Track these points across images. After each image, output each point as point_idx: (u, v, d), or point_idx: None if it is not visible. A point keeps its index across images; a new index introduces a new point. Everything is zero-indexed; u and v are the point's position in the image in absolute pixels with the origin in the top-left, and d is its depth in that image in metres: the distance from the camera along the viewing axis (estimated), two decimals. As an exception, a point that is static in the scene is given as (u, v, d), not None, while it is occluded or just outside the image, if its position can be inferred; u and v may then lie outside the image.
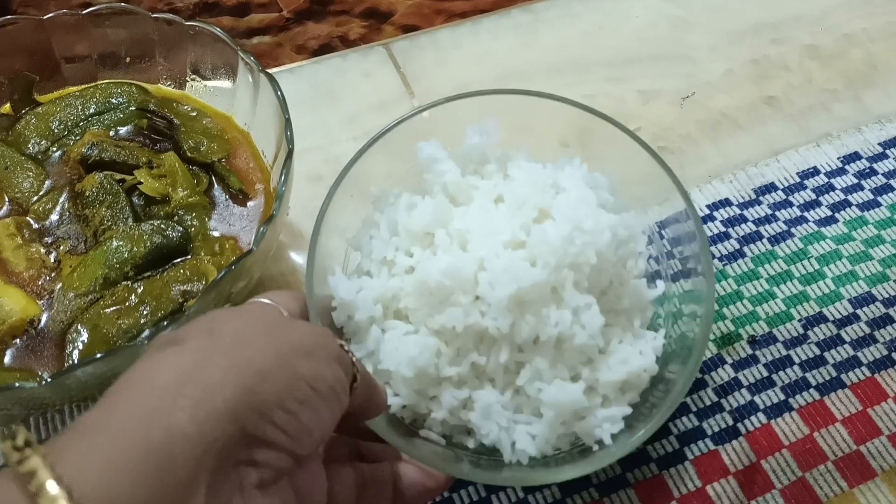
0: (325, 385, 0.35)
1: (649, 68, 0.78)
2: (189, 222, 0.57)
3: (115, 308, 0.53)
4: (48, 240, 0.57)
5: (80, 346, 0.51)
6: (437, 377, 0.49)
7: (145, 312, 0.52)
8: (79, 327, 0.52)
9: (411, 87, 0.76)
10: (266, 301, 0.43)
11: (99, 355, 0.44)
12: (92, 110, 0.63)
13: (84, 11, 0.63)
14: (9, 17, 0.62)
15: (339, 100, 0.75)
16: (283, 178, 0.52)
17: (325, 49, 0.80)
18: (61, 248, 0.56)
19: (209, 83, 0.65)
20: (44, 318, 0.53)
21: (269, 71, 0.59)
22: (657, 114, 0.75)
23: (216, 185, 0.60)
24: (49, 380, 0.44)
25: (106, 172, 0.59)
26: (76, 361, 0.50)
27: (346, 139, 0.72)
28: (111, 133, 0.62)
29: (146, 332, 0.52)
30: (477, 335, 0.49)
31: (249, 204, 0.59)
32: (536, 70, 0.78)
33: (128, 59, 0.66)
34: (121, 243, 0.54)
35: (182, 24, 0.63)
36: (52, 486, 0.27)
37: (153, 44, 0.65)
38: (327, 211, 0.52)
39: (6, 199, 0.59)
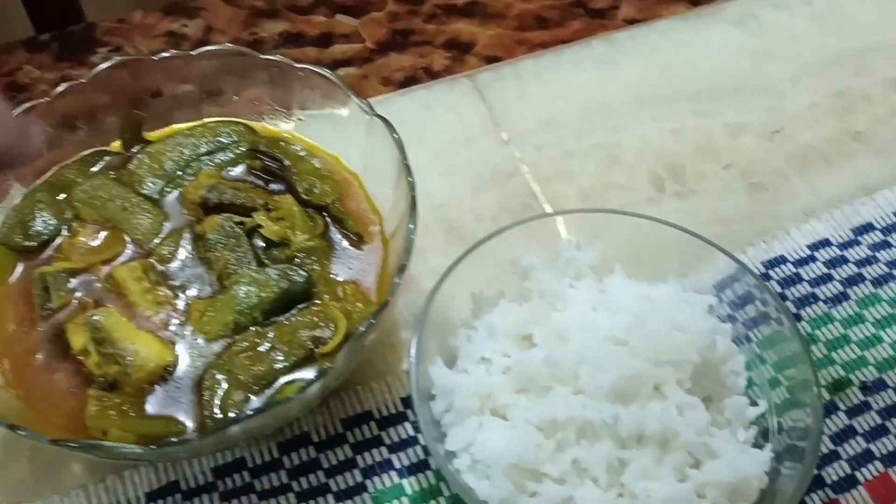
0: None
1: (734, 101, 0.79)
2: (310, 266, 0.58)
3: (247, 354, 0.54)
4: (173, 283, 0.58)
5: (220, 394, 0.52)
6: (536, 470, 0.50)
7: (279, 359, 0.53)
8: (215, 374, 0.53)
9: (497, 122, 0.77)
10: None
11: (252, 410, 0.45)
12: (203, 150, 0.64)
13: (194, 52, 0.64)
14: (120, 57, 0.63)
15: (426, 134, 0.75)
16: (411, 226, 0.53)
17: (410, 81, 0.81)
18: (187, 291, 0.57)
19: (316, 123, 0.65)
20: (178, 365, 0.54)
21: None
22: (746, 148, 0.75)
23: (331, 228, 0.61)
24: (201, 435, 0.45)
25: (225, 215, 0.60)
26: (223, 411, 0.51)
27: (436, 175, 0.73)
28: (223, 174, 0.63)
29: (281, 380, 0.53)
30: (578, 428, 0.50)
31: (364, 247, 0.60)
32: (621, 103, 0.79)
33: (235, 98, 0.66)
34: (250, 288, 0.55)
35: (292, 66, 0.63)
36: None
37: (262, 84, 0.65)
38: (432, 303, 0.54)
39: (127, 241, 0.60)
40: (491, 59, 0.83)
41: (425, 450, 0.57)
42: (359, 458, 0.56)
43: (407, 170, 0.56)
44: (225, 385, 0.52)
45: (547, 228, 0.61)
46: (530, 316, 0.55)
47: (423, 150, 0.74)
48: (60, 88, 0.61)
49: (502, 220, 0.69)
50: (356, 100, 0.61)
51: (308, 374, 0.53)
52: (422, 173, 0.73)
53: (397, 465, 0.56)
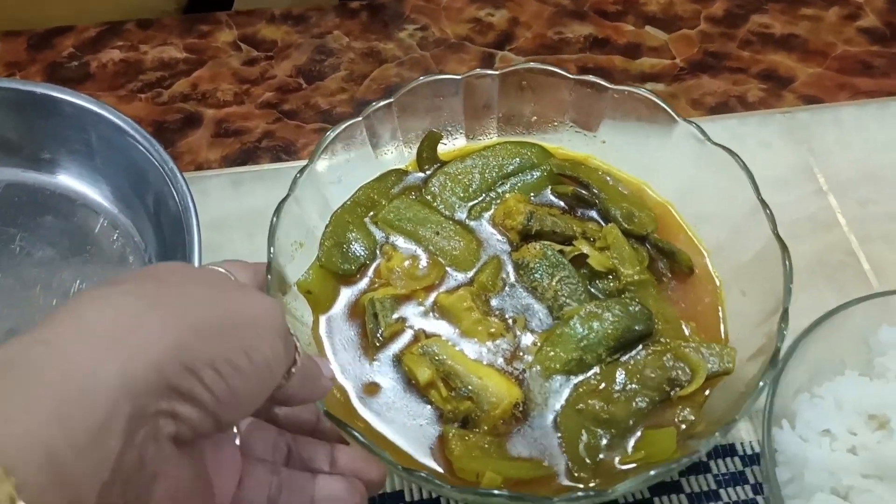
0: (262, 358, 0.34)
1: None
2: (644, 301, 0.55)
3: (600, 394, 0.51)
4: (501, 313, 0.55)
5: (585, 438, 0.49)
6: None
7: (638, 401, 0.50)
8: (572, 415, 0.50)
9: (815, 168, 0.72)
10: (220, 269, 0.43)
11: (651, 472, 0.43)
12: (507, 171, 0.62)
13: (500, 71, 0.62)
14: (427, 77, 0.61)
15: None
16: (787, 265, 0.50)
17: (721, 108, 0.77)
18: (518, 323, 0.55)
19: (621, 147, 0.62)
20: (527, 403, 0.51)
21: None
22: None
23: (657, 261, 0.58)
24: (602, 490, 0.43)
25: (544, 243, 0.57)
26: (592, 458, 0.49)
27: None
28: (529, 198, 0.61)
29: (641, 424, 0.50)
30: None
31: (694, 282, 0.57)
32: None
33: (533, 119, 0.64)
34: (591, 323, 0.53)
35: (606, 88, 0.60)
36: None
37: (564, 105, 0.63)
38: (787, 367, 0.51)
39: (446, 269, 0.57)
40: (809, 99, 0.78)
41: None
42: None
43: (763, 205, 0.53)
44: (587, 429, 0.49)
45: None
46: (887, 396, 0.51)
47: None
48: (372, 108, 0.60)
49: (817, 274, 0.65)
50: (686, 124, 0.58)
51: (668, 417, 0.50)
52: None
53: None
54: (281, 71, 0.80)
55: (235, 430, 0.42)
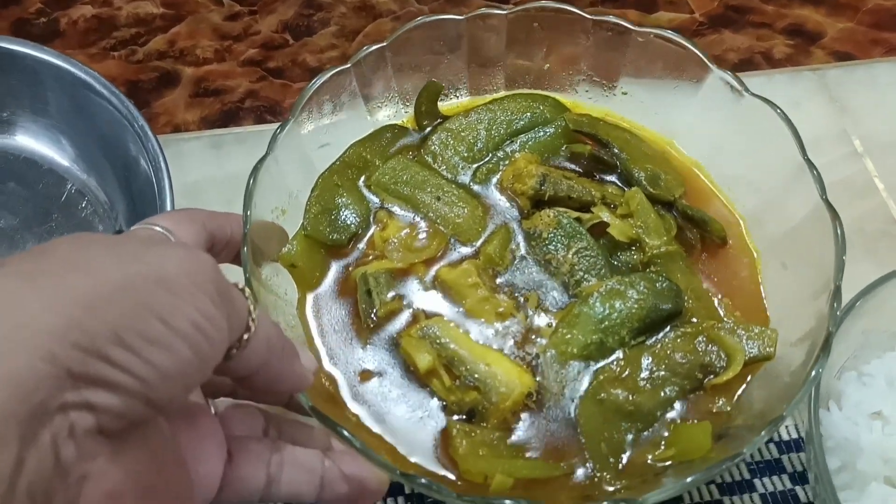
0: (185, 321, 0.29)
1: None
2: (673, 276, 0.48)
3: (623, 382, 0.45)
4: (510, 290, 0.49)
5: (608, 434, 0.43)
6: None
7: (668, 391, 0.44)
8: (592, 407, 0.44)
9: (849, 128, 0.66)
10: (156, 227, 0.38)
11: (688, 479, 0.37)
12: (517, 127, 0.55)
13: (509, 11, 0.54)
14: (425, 17, 0.54)
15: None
16: (839, 233, 0.43)
17: (745, 65, 0.71)
18: (529, 301, 0.49)
19: (643, 100, 0.56)
20: (540, 392, 0.45)
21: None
22: None
23: (685, 230, 0.51)
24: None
25: (559, 210, 0.51)
26: (614, 455, 0.43)
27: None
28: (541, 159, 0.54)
29: (668, 416, 0.44)
30: None
31: (727, 254, 0.51)
32: None
33: (546, 66, 0.57)
34: (613, 301, 0.46)
35: (629, 30, 0.53)
36: None
37: (580, 49, 0.56)
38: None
39: (448, 240, 0.51)
40: (841, 56, 0.72)
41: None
42: None
43: (810, 165, 0.47)
44: (609, 422, 0.44)
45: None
46: None
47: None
48: (363, 54, 0.53)
49: (856, 244, 0.59)
50: (720, 73, 0.51)
51: (701, 409, 0.45)
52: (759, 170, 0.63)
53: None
54: (266, 26, 0.75)
55: (212, 407, 0.37)
